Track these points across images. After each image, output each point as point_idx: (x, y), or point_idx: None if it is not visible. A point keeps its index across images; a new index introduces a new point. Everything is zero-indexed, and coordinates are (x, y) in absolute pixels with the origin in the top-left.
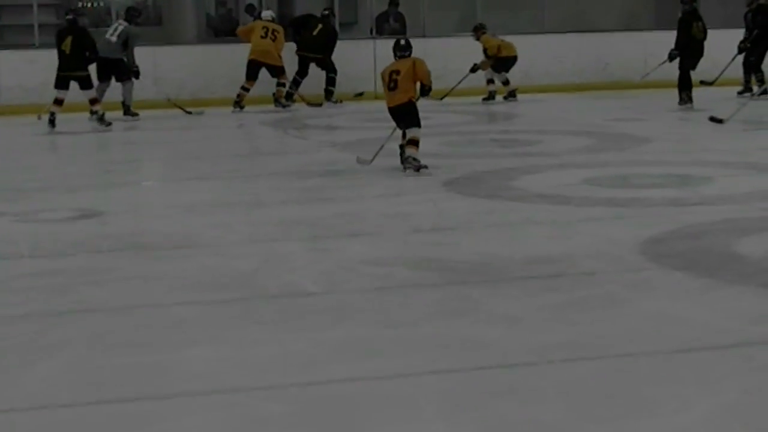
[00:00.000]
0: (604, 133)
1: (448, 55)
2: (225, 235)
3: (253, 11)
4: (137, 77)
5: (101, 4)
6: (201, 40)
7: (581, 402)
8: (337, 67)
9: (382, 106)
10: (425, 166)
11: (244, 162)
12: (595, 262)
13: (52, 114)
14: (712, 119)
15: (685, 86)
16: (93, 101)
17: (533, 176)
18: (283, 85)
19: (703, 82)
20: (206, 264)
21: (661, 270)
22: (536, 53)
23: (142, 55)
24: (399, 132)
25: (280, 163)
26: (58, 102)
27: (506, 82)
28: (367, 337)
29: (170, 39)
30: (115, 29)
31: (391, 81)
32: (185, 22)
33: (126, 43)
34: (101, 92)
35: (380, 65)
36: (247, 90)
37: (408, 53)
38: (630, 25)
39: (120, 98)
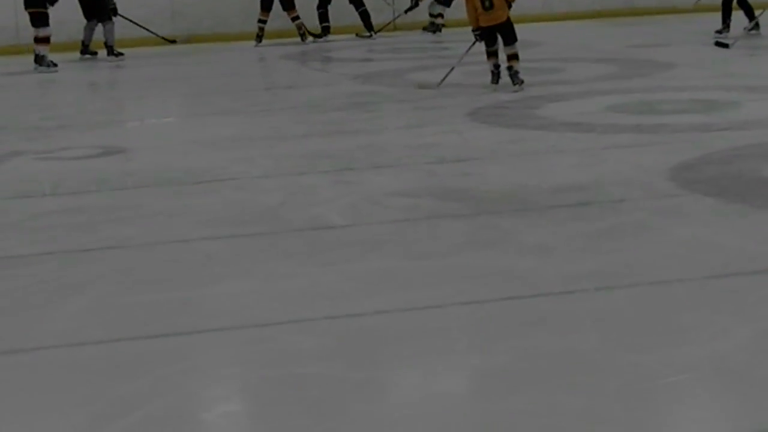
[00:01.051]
0: (626, 59)
1: None
2: (249, 170)
3: None
4: (114, 15)
5: None
6: None
7: (616, 331)
8: None
9: (401, 37)
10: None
11: (265, 96)
12: (624, 190)
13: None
14: (719, 44)
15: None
16: (37, 39)
17: (557, 104)
18: (297, 18)
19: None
20: (231, 198)
21: (691, 196)
22: None
23: None
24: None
25: (302, 97)
26: (37, 40)
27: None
28: (396, 269)
29: None
30: None
31: (485, 1)
32: None
33: None
34: (88, 31)
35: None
36: (264, 21)
37: None
38: None
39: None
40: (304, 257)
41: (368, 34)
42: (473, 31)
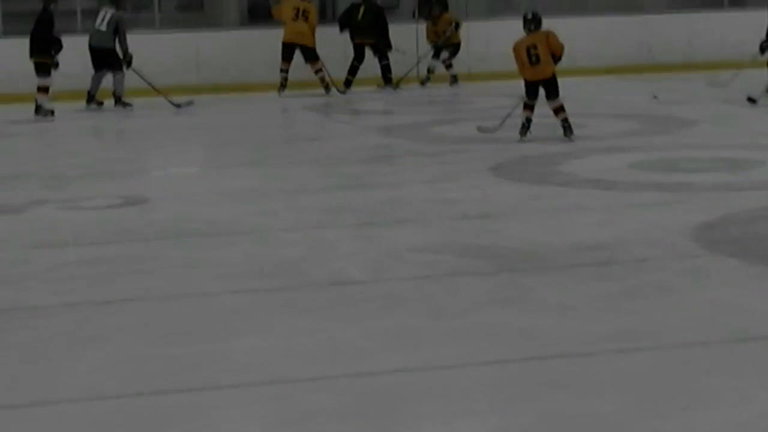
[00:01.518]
0: (649, 116)
1: (490, 38)
2: (270, 222)
3: None
4: (129, 66)
5: None
6: (242, 24)
7: (638, 394)
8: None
9: (426, 90)
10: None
11: (288, 148)
12: (647, 249)
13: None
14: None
15: None
16: (39, 89)
17: (580, 161)
18: (320, 70)
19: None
20: (252, 252)
21: (714, 257)
22: (578, 35)
23: (185, 41)
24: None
25: (325, 149)
26: (39, 89)
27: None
28: (416, 326)
29: (211, 23)
30: (103, 17)
31: (531, 56)
32: (226, 6)
33: (116, 30)
34: (96, 82)
35: (423, 48)
36: (285, 71)
37: (538, 26)
38: (674, 5)
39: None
40: (325, 313)
41: (389, 86)
42: None
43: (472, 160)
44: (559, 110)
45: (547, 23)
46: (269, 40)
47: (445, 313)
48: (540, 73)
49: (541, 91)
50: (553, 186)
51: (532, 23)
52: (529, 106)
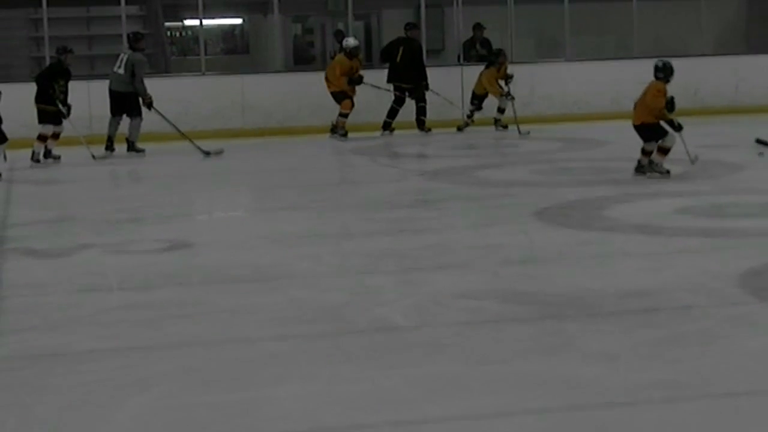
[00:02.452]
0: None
1: (534, 81)
2: (314, 267)
3: (341, 37)
4: (150, 107)
5: (189, 32)
6: (287, 68)
7: None
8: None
9: (470, 134)
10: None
11: (333, 191)
12: (692, 296)
13: (46, 150)
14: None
15: None
16: (39, 137)
17: (625, 205)
18: (344, 115)
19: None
20: (296, 297)
21: (761, 304)
22: (624, 78)
23: (230, 84)
24: None
25: (370, 193)
26: (42, 138)
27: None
28: (460, 374)
29: (258, 67)
30: (121, 60)
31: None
32: (272, 51)
33: (133, 73)
34: (113, 126)
35: (468, 92)
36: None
37: (660, 75)
38: (720, 49)
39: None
40: (367, 360)
41: (422, 130)
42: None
43: (516, 204)
44: (646, 153)
45: (591, 66)
46: (313, 84)
47: (487, 360)
48: (634, 119)
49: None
50: (597, 231)
51: (659, 72)
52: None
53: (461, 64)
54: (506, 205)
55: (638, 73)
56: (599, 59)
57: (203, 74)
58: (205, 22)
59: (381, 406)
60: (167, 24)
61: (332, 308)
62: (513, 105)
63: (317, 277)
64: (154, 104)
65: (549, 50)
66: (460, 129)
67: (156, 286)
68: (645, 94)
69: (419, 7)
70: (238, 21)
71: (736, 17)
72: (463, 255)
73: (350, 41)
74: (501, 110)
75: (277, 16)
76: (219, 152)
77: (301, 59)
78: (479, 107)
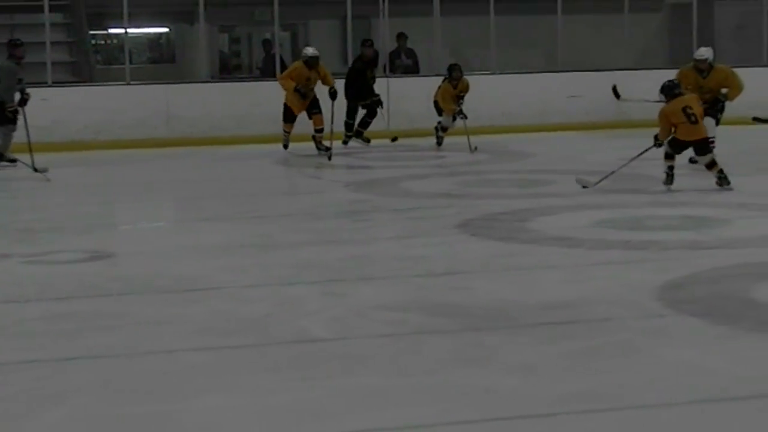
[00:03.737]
0: (618, 173)
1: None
2: (237, 279)
3: (268, 47)
4: (12, 121)
5: (114, 41)
6: (213, 77)
7: None
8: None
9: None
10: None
11: (257, 202)
12: (612, 308)
13: None
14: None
15: None
16: None
17: (547, 218)
18: (321, 130)
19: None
20: (218, 308)
21: (678, 317)
22: (550, 91)
23: (155, 93)
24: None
25: (294, 204)
26: None
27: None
28: (381, 385)
29: (183, 77)
30: None
31: (690, 116)
32: (198, 60)
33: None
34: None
35: (393, 102)
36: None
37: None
38: (643, 63)
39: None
40: (289, 371)
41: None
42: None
43: (441, 216)
44: (712, 164)
45: (517, 79)
46: (239, 94)
47: (409, 372)
48: (699, 133)
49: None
50: (520, 243)
51: (675, 88)
52: (671, 156)
53: (387, 76)
54: (430, 217)
55: (564, 86)
56: (525, 72)
57: (128, 84)
58: (131, 30)
59: (302, 418)
60: (92, 32)
61: (255, 319)
62: (465, 123)
63: (240, 289)
64: (20, 114)
65: (475, 62)
66: (439, 144)
67: (76, 297)
68: (694, 108)
69: (346, 18)
70: (164, 30)
71: (659, 31)
72: (387, 267)
73: (308, 50)
74: (443, 128)
75: (203, 26)
76: (44, 170)
77: (227, 69)
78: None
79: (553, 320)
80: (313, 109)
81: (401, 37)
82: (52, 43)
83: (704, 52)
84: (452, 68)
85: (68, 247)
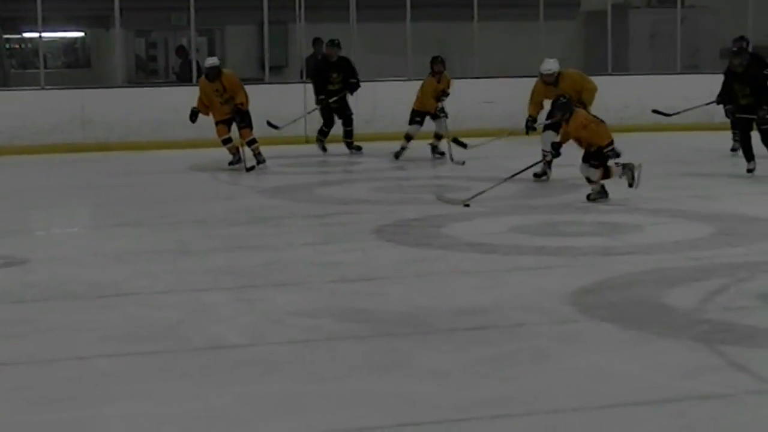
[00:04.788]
0: (532, 179)
1: (377, 99)
2: (150, 284)
3: (185, 54)
4: None
5: (29, 45)
6: (130, 82)
7: None
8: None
9: (309, 149)
10: None
11: (171, 208)
12: (524, 314)
13: None
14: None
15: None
16: None
17: (462, 224)
18: (254, 141)
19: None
20: (131, 314)
21: (590, 322)
22: (465, 98)
23: (70, 98)
24: None
25: (209, 210)
26: None
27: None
28: (293, 392)
29: (99, 81)
30: None
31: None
32: (114, 65)
33: None
34: None
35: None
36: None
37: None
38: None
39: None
40: (201, 378)
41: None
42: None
43: (356, 222)
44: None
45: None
46: (155, 99)
47: (322, 378)
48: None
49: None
50: (434, 249)
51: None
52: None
53: (304, 81)
54: (345, 223)
55: (480, 93)
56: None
57: (43, 88)
58: (46, 35)
59: (213, 425)
60: (6, 36)
61: (168, 326)
62: (446, 123)
63: (153, 295)
64: None
65: (391, 68)
66: (397, 156)
67: None
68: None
69: (263, 23)
70: (80, 34)
71: (575, 39)
72: (301, 272)
73: (206, 61)
74: (438, 135)
75: (118, 30)
76: None
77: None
78: (420, 124)
79: (466, 326)
80: (241, 122)
81: (317, 42)
82: None
83: (551, 66)
84: (434, 61)
85: None
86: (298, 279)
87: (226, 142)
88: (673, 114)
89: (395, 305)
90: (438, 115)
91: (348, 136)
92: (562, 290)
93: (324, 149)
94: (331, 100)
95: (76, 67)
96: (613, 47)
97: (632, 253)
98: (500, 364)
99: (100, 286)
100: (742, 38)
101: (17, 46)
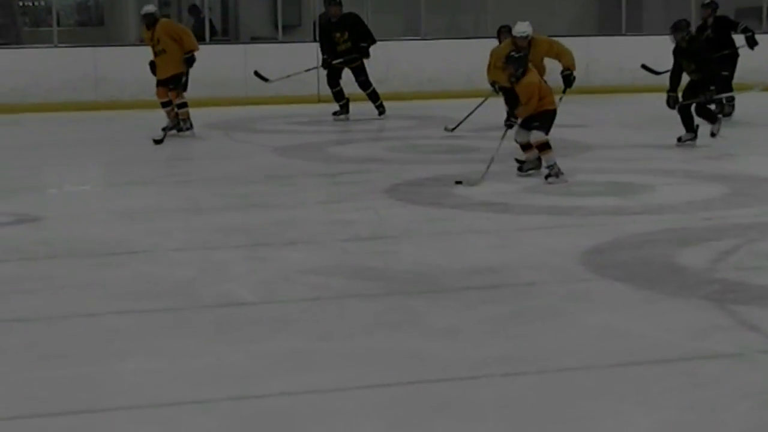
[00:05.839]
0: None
1: (390, 59)
2: (162, 242)
3: (198, 13)
4: None
5: (42, 3)
6: (143, 41)
7: (520, 417)
8: (283, 69)
9: (321, 108)
10: None
11: (185, 166)
12: (536, 273)
13: None
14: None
15: None
16: None
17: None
18: (185, 105)
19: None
20: (142, 272)
21: (601, 281)
22: (478, 57)
23: (83, 56)
24: None
25: (221, 168)
26: None
27: None
28: (304, 349)
29: (112, 40)
30: None
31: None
32: (127, 23)
33: None
34: None
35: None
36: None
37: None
38: (573, 30)
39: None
40: (212, 335)
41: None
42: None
43: (368, 181)
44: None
45: (446, 45)
46: None
47: (333, 336)
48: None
49: None
50: (446, 209)
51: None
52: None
53: (317, 41)
54: (357, 182)
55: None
56: (454, 38)
57: (56, 46)
58: None
59: (223, 381)
60: None
61: (179, 283)
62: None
63: (165, 252)
64: None
65: (405, 28)
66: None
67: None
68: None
69: None
70: None
71: None
72: (312, 231)
73: (144, 7)
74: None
75: None
76: None
77: None
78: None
79: (477, 285)
80: (169, 83)
81: (330, 2)
82: None
83: (524, 28)
84: (500, 30)
85: None
86: (309, 237)
87: (165, 105)
88: (663, 72)
89: (407, 264)
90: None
91: (373, 99)
92: (573, 250)
93: (339, 113)
94: (335, 62)
95: (89, 25)
96: (627, 7)
97: (644, 213)
98: (511, 322)
99: (112, 243)
100: (710, 3)
101: (30, 4)
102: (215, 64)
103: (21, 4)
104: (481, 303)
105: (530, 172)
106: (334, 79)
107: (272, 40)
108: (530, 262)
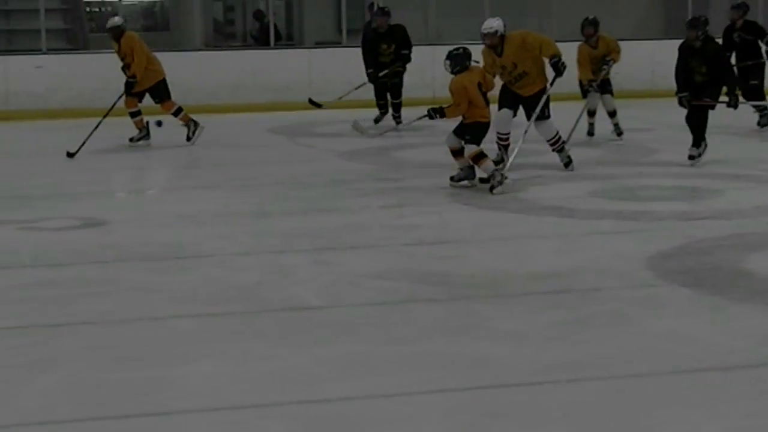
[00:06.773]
0: (611, 143)
1: None
2: (228, 247)
3: (262, 18)
4: None
5: (109, 8)
6: (208, 46)
7: (585, 424)
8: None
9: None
10: None
11: (250, 170)
12: (602, 278)
13: None
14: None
15: None
16: None
17: (540, 188)
18: (180, 110)
19: None
20: (208, 276)
21: (668, 287)
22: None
23: None
24: None
25: (286, 172)
26: None
27: None
28: (369, 353)
29: (177, 45)
30: None
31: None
32: (193, 28)
33: None
34: None
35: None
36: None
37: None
38: (638, 33)
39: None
40: (278, 339)
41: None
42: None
43: (432, 186)
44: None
45: None
46: (233, 62)
47: (398, 340)
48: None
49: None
50: (511, 213)
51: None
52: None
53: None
54: (422, 187)
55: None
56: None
57: None
58: None
59: (289, 385)
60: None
61: (245, 287)
62: (603, 100)
63: (231, 256)
64: None
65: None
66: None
67: (68, 264)
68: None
69: None
70: None
71: (655, 0)
72: (377, 235)
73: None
74: (589, 112)
75: None
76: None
77: (221, 37)
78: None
79: (543, 290)
80: (154, 97)
81: (372, 8)
82: (47, 11)
83: (491, 24)
84: (582, 25)
85: (62, 214)
86: (374, 241)
87: (134, 115)
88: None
89: (472, 269)
90: (589, 87)
91: (395, 109)
92: (639, 255)
93: (395, 123)
94: (381, 74)
95: (155, 31)
96: (694, 8)
97: (711, 218)
98: (576, 328)
99: (177, 247)
100: (740, 5)
101: (97, 10)
102: (279, 69)
103: (88, 9)
104: (546, 308)
105: (463, 182)
106: (381, 93)
107: (336, 44)
108: (596, 267)
